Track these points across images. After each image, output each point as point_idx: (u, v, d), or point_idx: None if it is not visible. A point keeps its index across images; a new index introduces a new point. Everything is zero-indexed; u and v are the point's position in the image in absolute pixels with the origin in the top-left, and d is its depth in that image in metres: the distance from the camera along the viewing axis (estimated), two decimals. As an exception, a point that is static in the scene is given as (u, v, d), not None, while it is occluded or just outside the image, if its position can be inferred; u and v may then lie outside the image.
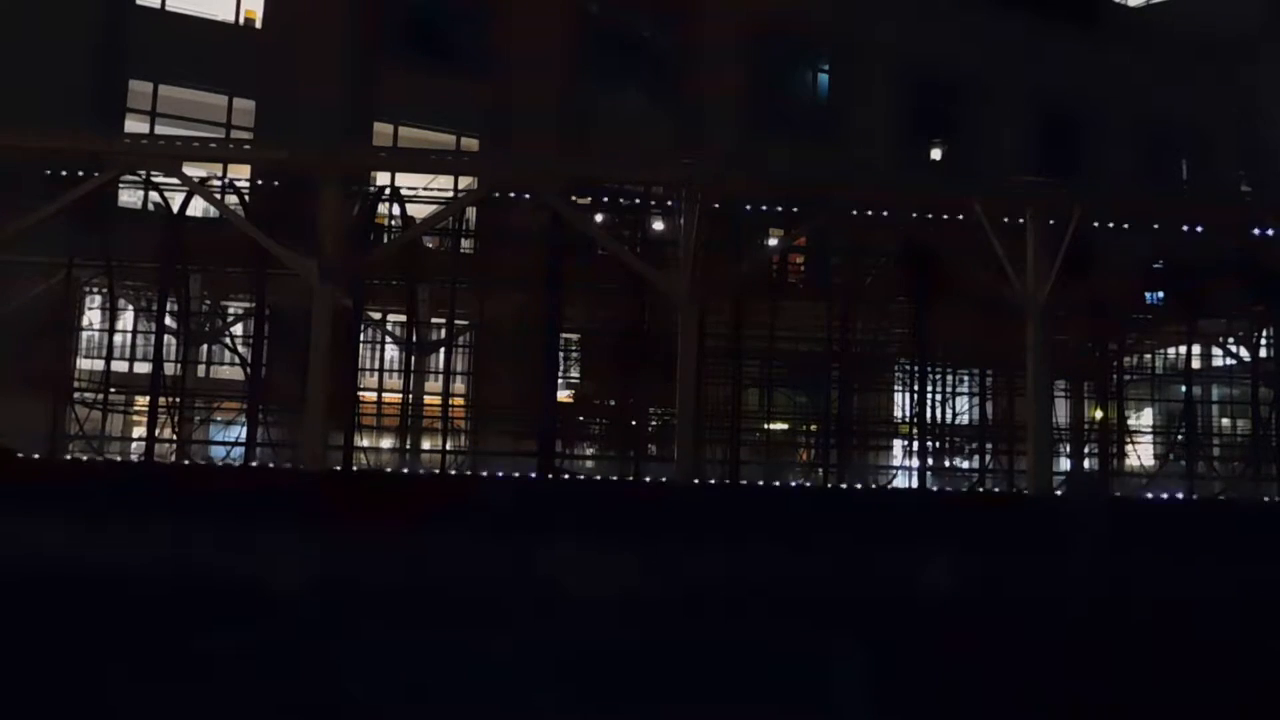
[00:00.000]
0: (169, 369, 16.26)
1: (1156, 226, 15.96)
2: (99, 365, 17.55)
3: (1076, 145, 28.87)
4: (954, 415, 19.42)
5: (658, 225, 18.84)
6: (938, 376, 18.55)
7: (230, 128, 22.83)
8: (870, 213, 17.08)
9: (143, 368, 17.10)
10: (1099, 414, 18.42)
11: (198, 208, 17.25)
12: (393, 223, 17.66)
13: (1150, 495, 16.02)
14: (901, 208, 15.86)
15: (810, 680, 6.58)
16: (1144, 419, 21.27)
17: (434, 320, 19.07)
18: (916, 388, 16.49)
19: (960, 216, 15.83)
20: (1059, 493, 15.82)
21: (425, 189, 17.70)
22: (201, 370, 19.04)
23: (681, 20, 26.11)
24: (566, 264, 15.97)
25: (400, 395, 17.55)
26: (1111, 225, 15.93)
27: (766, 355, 17.16)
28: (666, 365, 16.49)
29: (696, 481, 14.74)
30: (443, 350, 18.24)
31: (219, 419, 18.18)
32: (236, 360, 17.80)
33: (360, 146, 20.63)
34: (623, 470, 16.18)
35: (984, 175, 25.22)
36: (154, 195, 18.21)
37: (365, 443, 16.80)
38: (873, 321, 18.23)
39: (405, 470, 16.88)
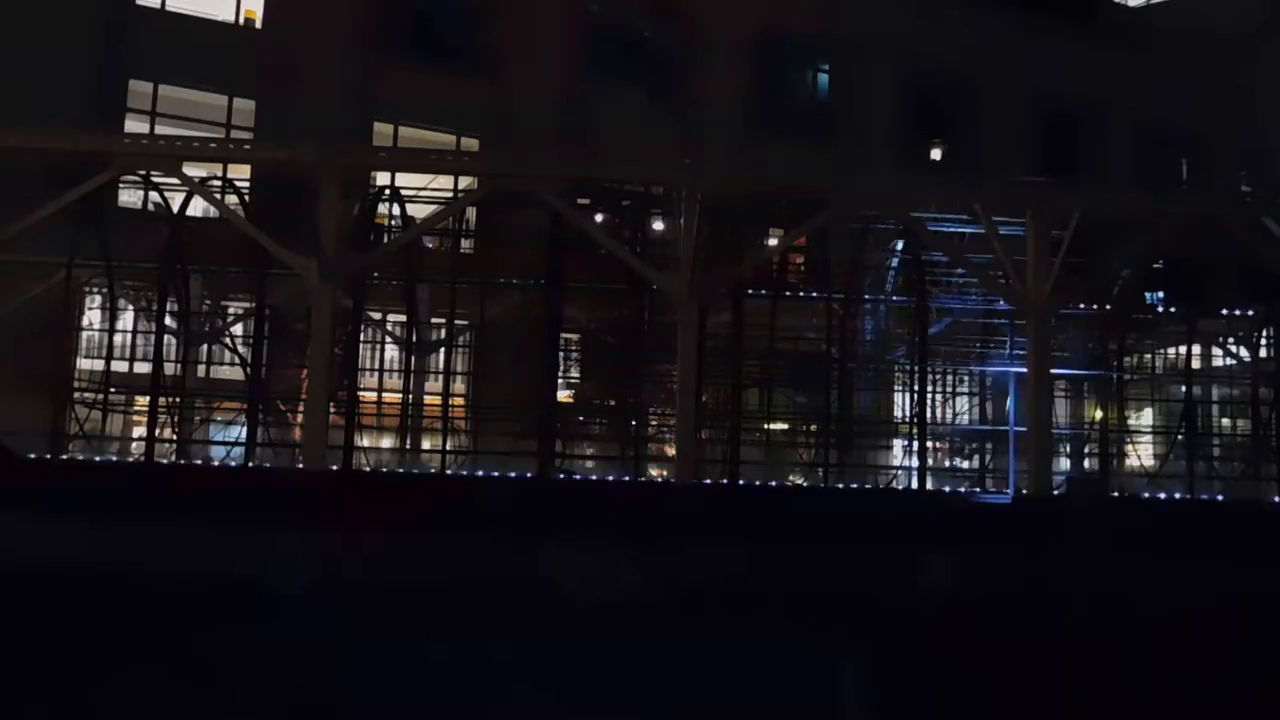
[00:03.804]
0: (169, 369, 16.26)
1: (1156, 226, 15.96)
2: (99, 365, 17.55)
3: (1076, 145, 28.84)
4: (954, 415, 19.44)
5: (658, 225, 18.85)
6: (938, 377, 18.56)
7: (230, 128, 22.84)
8: (870, 213, 17.13)
9: (143, 368, 17.09)
10: (1099, 414, 18.42)
11: (198, 208, 17.26)
12: (393, 223, 17.67)
13: (1150, 495, 16.04)
14: (902, 207, 15.86)
15: (809, 680, 6.58)
16: (1144, 419, 21.27)
17: (434, 320, 19.07)
18: (916, 388, 16.48)
19: (961, 216, 15.88)
20: (1059, 493, 15.83)
21: (425, 189, 17.71)
22: (201, 370, 19.04)
23: (681, 20, 26.11)
24: (566, 264, 15.97)
25: (400, 395, 17.55)
26: (1112, 225, 15.95)
27: (766, 355, 17.16)
28: (667, 365, 16.53)
29: (696, 481, 14.75)
30: (443, 350, 18.24)
31: (219, 419, 18.17)
32: (236, 360, 17.80)
33: (360, 146, 20.63)
34: (623, 470, 16.19)
35: (984, 175, 25.23)
36: (154, 195, 18.23)
37: (365, 443, 16.80)
38: (873, 321, 18.24)
39: (405, 470, 16.88)
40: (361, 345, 17.25)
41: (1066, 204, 15.23)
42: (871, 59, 27.95)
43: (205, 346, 19.12)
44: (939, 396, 19.41)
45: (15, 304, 17.09)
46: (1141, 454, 18.77)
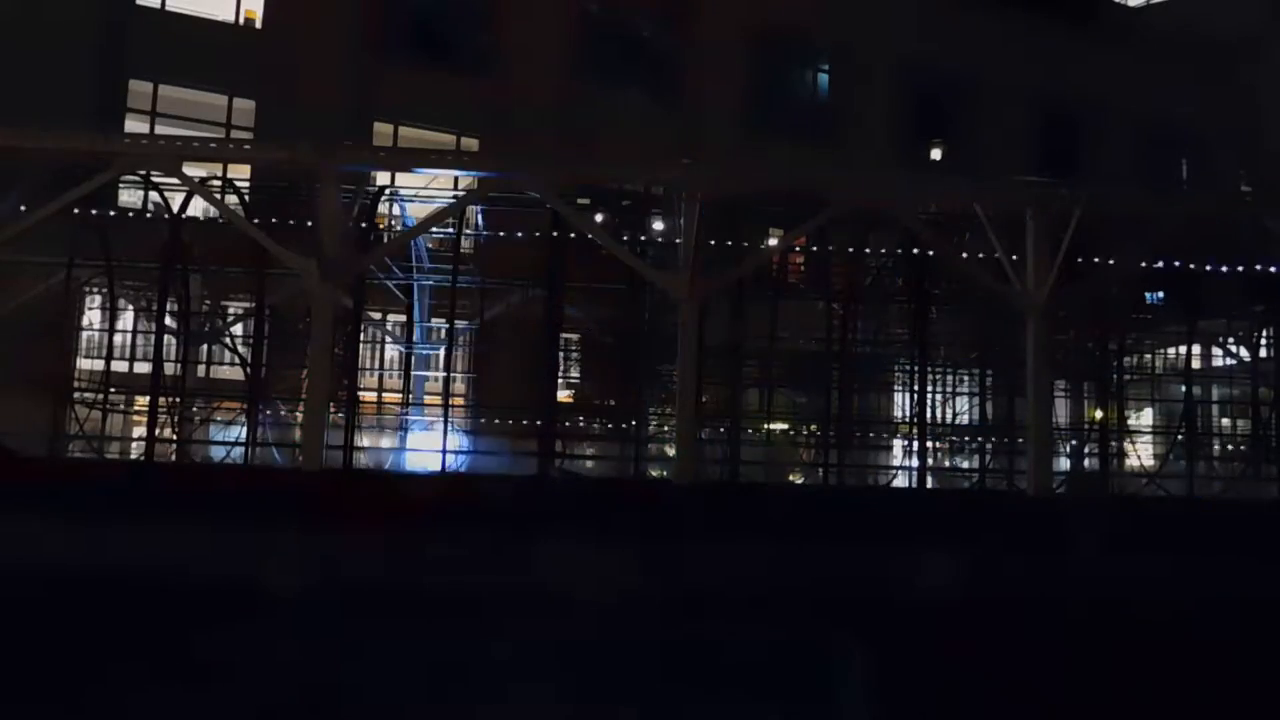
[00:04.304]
0: (169, 369, 16.25)
1: (1156, 226, 15.94)
2: (99, 365, 17.54)
3: (1076, 145, 28.83)
4: (954, 415, 19.42)
5: (658, 225, 18.83)
6: (938, 377, 18.55)
7: (230, 128, 22.83)
8: (870, 213, 17.10)
9: (143, 368, 17.09)
10: (1099, 414, 18.41)
11: (198, 208, 17.25)
12: (393, 223, 17.67)
13: (1150, 495, 16.04)
14: (901, 207, 15.84)
15: (808, 680, 6.58)
16: (1144, 419, 21.26)
17: (434, 320, 19.08)
18: (916, 388, 16.47)
19: (961, 216, 15.86)
20: (1059, 492, 15.83)
21: (425, 189, 17.71)
22: (201, 370, 19.03)
23: (681, 20, 26.10)
24: (567, 264, 15.97)
25: (400, 395, 17.55)
26: (1112, 225, 15.93)
27: (766, 355, 17.16)
28: (667, 365, 16.51)
29: (696, 481, 14.74)
30: (443, 350, 18.25)
31: (219, 419, 18.17)
32: (236, 360, 17.80)
33: (360, 146, 20.60)
34: (623, 470, 16.18)
35: (984, 175, 25.20)
36: (154, 195, 18.22)
37: (365, 443, 16.79)
38: (873, 321, 18.22)
39: (405, 470, 16.87)
40: (361, 345, 17.24)
41: (1066, 204, 15.20)
42: (871, 59, 27.95)
43: (205, 346, 19.11)
44: (939, 396, 19.36)
45: (15, 304, 17.08)
46: (1141, 454, 18.76)
